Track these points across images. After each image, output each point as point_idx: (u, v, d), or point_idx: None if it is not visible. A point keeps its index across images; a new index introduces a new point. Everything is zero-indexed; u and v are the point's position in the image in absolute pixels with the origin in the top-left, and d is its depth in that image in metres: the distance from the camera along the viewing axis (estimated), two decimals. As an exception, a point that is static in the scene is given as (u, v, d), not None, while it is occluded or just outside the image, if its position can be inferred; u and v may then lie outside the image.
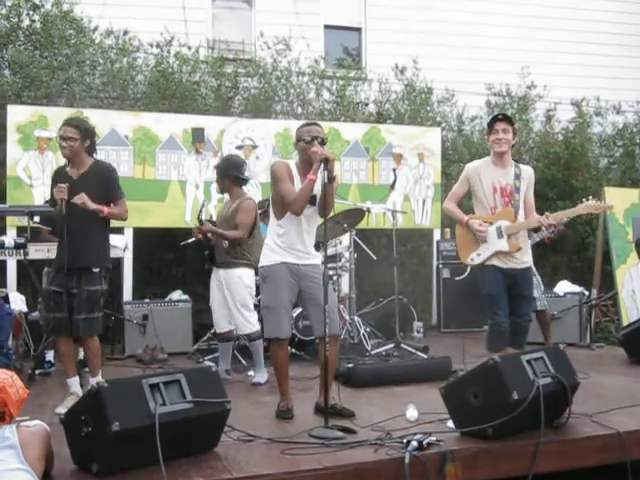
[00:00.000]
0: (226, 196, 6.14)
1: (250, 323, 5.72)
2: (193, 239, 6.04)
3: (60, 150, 4.72)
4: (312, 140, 4.32)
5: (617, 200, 8.11)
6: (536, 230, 6.68)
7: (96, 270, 4.69)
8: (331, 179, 4.18)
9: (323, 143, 4.36)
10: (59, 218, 4.63)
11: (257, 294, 6.75)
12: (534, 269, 6.69)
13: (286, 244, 4.40)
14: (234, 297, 5.70)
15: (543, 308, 6.77)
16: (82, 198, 4.55)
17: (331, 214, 4.45)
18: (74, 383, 4.76)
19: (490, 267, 5.02)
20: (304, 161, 4.41)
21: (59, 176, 4.76)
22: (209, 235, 5.78)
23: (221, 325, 5.88)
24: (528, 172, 5.15)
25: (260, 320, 5.64)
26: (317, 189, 4.30)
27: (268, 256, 4.46)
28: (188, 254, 7.77)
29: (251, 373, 5.99)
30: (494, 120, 5.07)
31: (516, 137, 5.13)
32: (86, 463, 3.27)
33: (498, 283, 4.98)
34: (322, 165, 4.14)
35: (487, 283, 5.04)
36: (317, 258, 4.52)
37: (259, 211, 5.96)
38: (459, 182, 5.24)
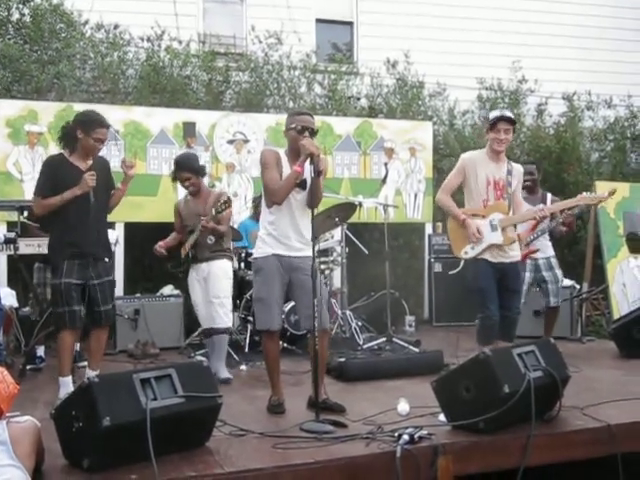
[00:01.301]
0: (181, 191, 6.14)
1: (227, 317, 5.70)
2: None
3: (93, 150, 4.69)
4: (303, 130, 4.29)
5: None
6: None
7: (108, 260, 4.88)
8: (317, 173, 4.17)
9: (314, 134, 4.34)
10: (84, 206, 4.60)
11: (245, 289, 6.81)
12: (556, 262, 6.70)
13: (277, 232, 4.37)
14: (217, 289, 5.63)
15: (557, 305, 6.71)
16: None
17: (322, 208, 4.43)
18: (69, 383, 4.68)
19: (481, 261, 5.03)
20: (293, 149, 4.37)
21: (63, 165, 4.67)
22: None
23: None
24: (518, 170, 5.19)
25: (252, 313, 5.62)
26: (307, 174, 4.27)
27: (260, 248, 4.44)
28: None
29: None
30: (499, 119, 5.03)
31: (513, 134, 5.15)
32: (77, 458, 3.25)
33: (489, 277, 4.99)
34: (309, 159, 4.13)
35: (479, 277, 5.04)
36: (310, 250, 4.38)
37: (251, 207, 5.93)
38: (455, 172, 5.19)
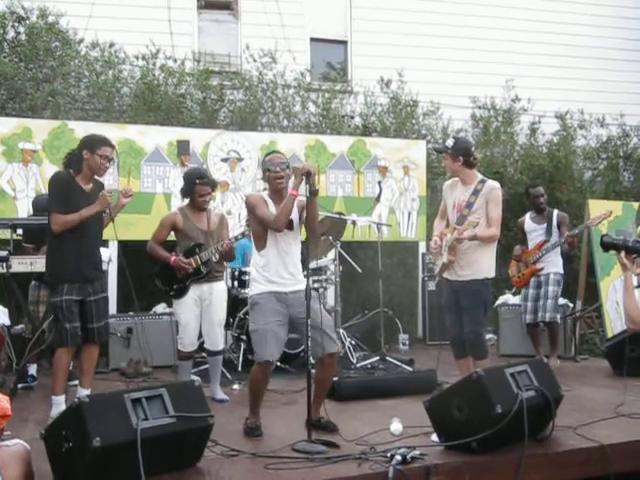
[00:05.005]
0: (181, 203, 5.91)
1: (223, 339, 5.69)
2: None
3: (99, 168, 4.77)
4: (277, 168, 4.37)
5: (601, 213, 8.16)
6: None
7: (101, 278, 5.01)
8: (313, 192, 4.19)
9: (287, 168, 4.41)
10: (98, 223, 4.87)
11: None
12: (554, 279, 7.00)
13: (270, 274, 4.37)
14: (222, 312, 5.57)
15: (551, 320, 7.02)
16: None
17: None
18: (62, 402, 4.65)
19: (443, 279, 5.27)
20: (274, 191, 4.45)
21: (72, 185, 4.75)
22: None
23: (194, 343, 5.55)
24: (489, 187, 5.10)
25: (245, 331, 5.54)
26: (294, 215, 4.36)
27: (255, 287, 4.43)
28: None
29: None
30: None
31: (460, 158, 5.08)
32: (67, 479, 3.22)
33: (445, 294, 5.27)
34: (304, 179, 4.15)
35: (440, 294, 5.50)
36: (304, 283, 4.32)
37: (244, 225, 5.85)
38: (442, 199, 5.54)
